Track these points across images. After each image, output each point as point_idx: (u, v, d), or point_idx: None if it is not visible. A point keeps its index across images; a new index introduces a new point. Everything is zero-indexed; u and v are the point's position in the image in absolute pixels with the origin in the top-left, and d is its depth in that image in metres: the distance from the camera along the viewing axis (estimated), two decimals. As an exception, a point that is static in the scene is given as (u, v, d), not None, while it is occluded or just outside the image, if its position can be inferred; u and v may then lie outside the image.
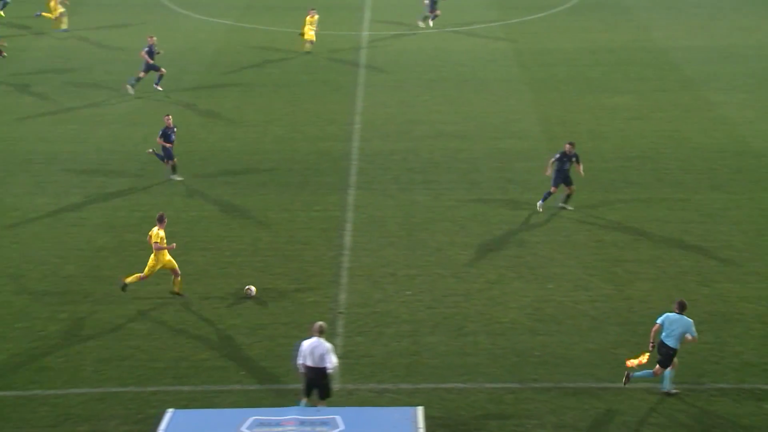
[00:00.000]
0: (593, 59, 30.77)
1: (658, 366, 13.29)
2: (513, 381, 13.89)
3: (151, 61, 26.90)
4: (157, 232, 15.81)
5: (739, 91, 26.84)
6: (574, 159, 19.29)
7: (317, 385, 12.61)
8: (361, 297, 16.36)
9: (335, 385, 13.11)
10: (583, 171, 19.51)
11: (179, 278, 16.12)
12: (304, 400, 12.67)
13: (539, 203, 19.60)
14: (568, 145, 19.28)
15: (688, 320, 13.09)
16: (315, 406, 12.54)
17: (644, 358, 13.34)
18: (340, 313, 15.77)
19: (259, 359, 14.46)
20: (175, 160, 21.03)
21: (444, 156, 22.84)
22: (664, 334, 13.17)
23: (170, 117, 21.13)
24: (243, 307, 15.93)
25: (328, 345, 12.52)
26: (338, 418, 11.10)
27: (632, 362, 13.41)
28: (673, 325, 13.08)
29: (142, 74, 27.06)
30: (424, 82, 28.79)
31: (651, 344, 13.26)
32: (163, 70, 27.16)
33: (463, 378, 13.97)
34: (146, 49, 26.88)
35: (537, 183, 21.02)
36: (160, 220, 16.03)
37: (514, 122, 25.17)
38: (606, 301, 16.01)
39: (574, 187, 19.43)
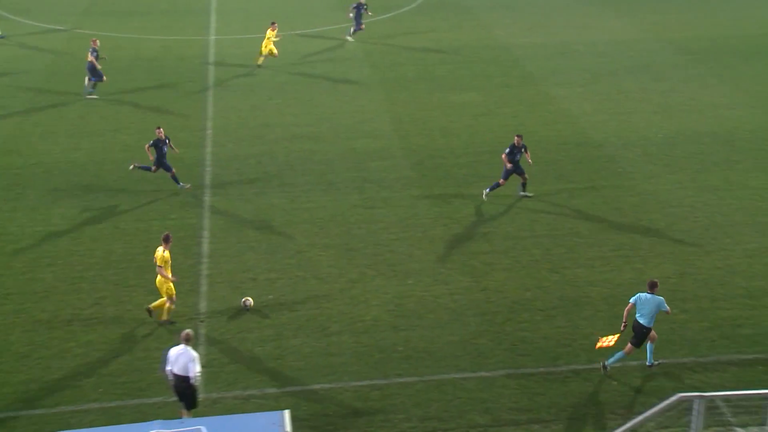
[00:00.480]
0: (440, 58, 31.52)
1: (630, 345, 13.87)
2: (378, 377, 14.04)
3: (99, 67, 26.85)
4: (162, 254, 15.13)
5: (576, 86, 28.15)
6: (523, 149, 20.17)
7: (182, 394, 12.35)
8: (222, 304, 16.09)
9: (199, 395, 12.84)
10: (531, 159, 20.37)
11: (172, 306, 15.37)
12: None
13: (485, 191, 20.32)
14: (516, 138, 20.19)
15: (659, 298, 13.75)
16: (180, 417, 12.27)
17: (614, 339, 13.86)
18: (200, 321, 15.46)
19: (118, 375, 13.96)
20: (174, 170, 20.65)
21: (299, 158, 22.80)
22: (637, 313, 13.78)
23: (161, 129, 20.51)
24: (97, 323, 15.33)
25: (193, 354, 12.27)
26: (203, 429, 10.88)
27: (603, 344, 13.88)
28: (645, 304, 13.72)
29: (97, 79, 27.03)
30: (275, 85, 28.63)
31: (623, 323, 13.83)
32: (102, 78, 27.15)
33: (328, 378, 14.00)
34: (92, 52, 26.70)
35: (392, 181, 21.40)
36: (166, 240, 15.37)
37: (367, 122, 25.43)
38: (464, 293, 16.44)
39: (526, 175, 20.28)
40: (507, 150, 20.12)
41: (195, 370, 12.15)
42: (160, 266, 15.07)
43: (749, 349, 14.29)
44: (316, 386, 13.80)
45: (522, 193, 20.43)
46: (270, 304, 16.08)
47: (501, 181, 20.20)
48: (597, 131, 24.37)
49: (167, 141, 20.66)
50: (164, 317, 15.42)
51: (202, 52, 32.07)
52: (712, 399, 10.37)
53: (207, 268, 17.33)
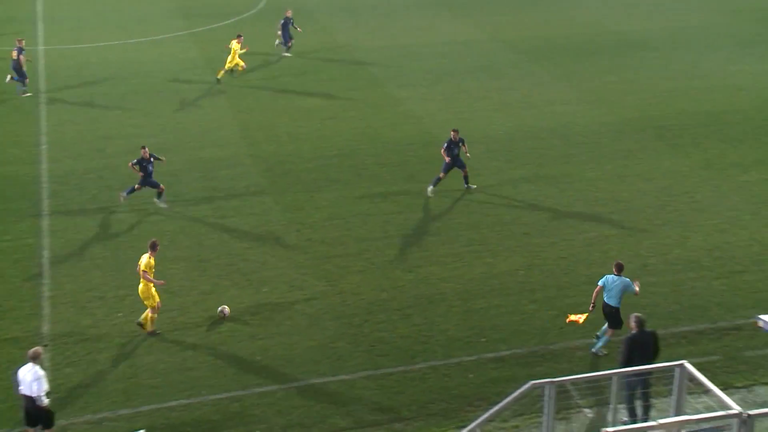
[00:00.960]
0: (284, 63, 31.36)
1: (608, 328, 14.42)
2: (237, 389, 13.78)
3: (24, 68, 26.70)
4: (148, 260, 15.02)
5: (420, 87, 28.71)
6: (461, 143, 20.36)
7: (34, 414, 11.86)
8: (67, 326, 15.33)
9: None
10: (468, 153, 20.85)
11: (155, 316, 14.87)
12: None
13: (429, 188, 20.56)
14: (452, 132, 20.44)
15: (626, 279, 14.24)
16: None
17: (583, 317, 14.45)
18: (44, 345, 14.64)
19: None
20: (162, 187, 20.02)
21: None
22: (605, 295, 14.25)
23: (146, 149, 19.73)
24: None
25: (39, 373, 11.79)
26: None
27: (572, 318, 14.51)
28: (612, 285, 14.20)
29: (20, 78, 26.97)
30: (114, 96, 27.61)
31: (592, 305, 14.37)
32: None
33: (186, 393, 13.61)
34: (18, 51, 26.58)
35: (242, 189, 21.10)
36: (153, 248, 15.31)
37: (213, 130, 24.95)
38: (321, 298, 16.40)
39: (466, 168, 20.60)
40: (444, 145, 20.49)
41: (41, 389, 11.62)
42: (144, 271, 14.74)
43: (593, 333, 14.98)
44: (173, 403, 13.38)
45: (466, 186, 20.91)
46: (120, 323, 15.46)
47: (441, 174, 20.61)
48: (442, 130, 24.85)
49: (152, 160, 20.02)
50: (149, 328, 15.00)
51: (30, 62, 30.43)
52: (561, 384, 10.81)
53: (48, 290, 16.48)
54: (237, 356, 14.62)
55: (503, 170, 22.24)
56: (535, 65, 30.73)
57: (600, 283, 14.43)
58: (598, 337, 14.73)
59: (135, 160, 19.96)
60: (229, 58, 28.91)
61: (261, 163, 22.75)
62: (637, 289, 14.40)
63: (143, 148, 20.05)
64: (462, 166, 20.78)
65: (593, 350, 14.68)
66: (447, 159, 20.42)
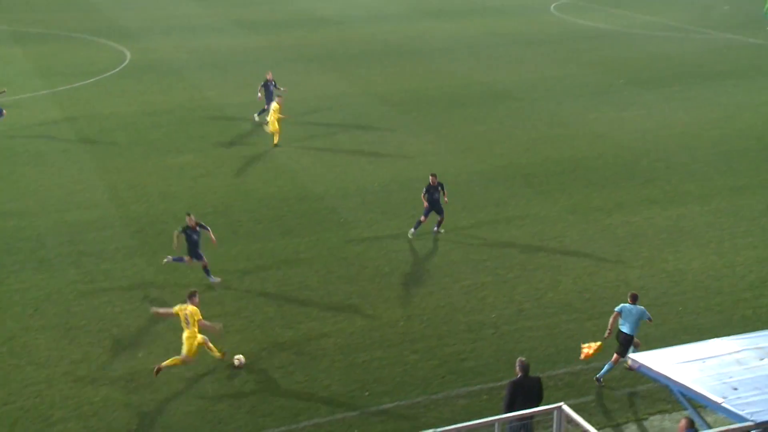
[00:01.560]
0: (153, 121, 30.78)
1: (616, 355, 14.97)
2: (112, 463, 13.10)
3: None
4: (196, 309, 15.27)
5: (293, 141, 28.56)
6: (440, 188, 20.93)
7: None
8: None
9: None
10: (447, 198, 21.21)
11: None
12: None
13: (411, 231, 21.13)
14: (431, 177, 21.01)
15: (641, 308, 15.06)
16: None
17: (597, 346, 14.85)
18: None
19: None
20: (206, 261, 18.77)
21: (4, 236, 21.03)
22: (621, 323, 14.94)
23: (192, 216, 18.64)
24: None
25: None
26: None
27: (586, 350, 14.88)
28: (629, 313, 14.92)
29: None
30: (-30, 159, 26.32)
31: (608, 331, 15.01)
32: None
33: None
34: None
35: (112, 252, 20.38)
36: (192, 297, 15.44)
37: (79, 192, 24.10)
38: (199, 359, 15.84)
39: (443, 214, 21.18)
40: (424, 190, 20.91)
41: None
42: (200, 319, 15.20)
43: (474, 380, 15.13)
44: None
45: (435, 230, 21.29)
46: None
47: (422, 218, 21.04)
48: (317, 184, 24.95)
49: (198, 229, 18.71)
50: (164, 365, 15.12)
51: None
52: (443, 434, 10.85)
53: None
54: (111, 427, 13.96)
55: (379, 222, 22.39)
56: (406, 117, 31.34)
57: (617, 309, 15.16)
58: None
59: (179, 229, 18.86)
60: (271, 119, 27.69)
61: (132, 224, 22.08)
62: (650, 315, 15.34)
63: (188, 215, 18.96)
64: (440, 211, 21.21)
65: (598, 376, 15.23)
66: (426, 204, 20.95)
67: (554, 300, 18.40)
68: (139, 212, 22.90)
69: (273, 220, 22.45)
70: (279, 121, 27.73)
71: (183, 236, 18.86)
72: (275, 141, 27.90)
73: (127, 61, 39.07)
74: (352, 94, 34.61)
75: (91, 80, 35.92)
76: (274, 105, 28.02)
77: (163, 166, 26.35)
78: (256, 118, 30.38)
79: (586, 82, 36.00)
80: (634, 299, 15.23)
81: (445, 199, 21.32)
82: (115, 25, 47.95)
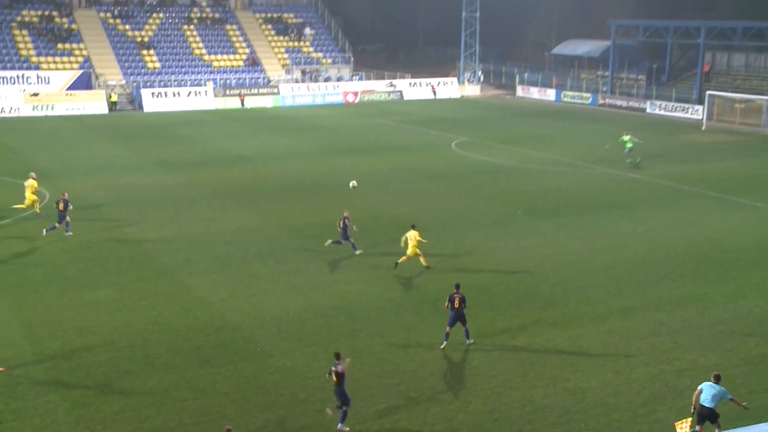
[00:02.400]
0: (71, 257, 31.10)
1: (699, 427, 17.57)
2: None
3: None
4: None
5: (210, 274, 29.45)
6: (460, 299, 22.96)
7: None
8: None
9: None
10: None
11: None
12: None
13: (442, 345, 23.07)
14: (455, 288, 23.20)
15: (722, 388, 17.67)
16: None
17: (688, 422, 17.22)
18: None
19: None
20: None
21: None
22: (702, 397, 17.52)
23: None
24: None
25: None
26: None
27: (680, 428, 17.10)
28: (710, 391, 17.58)
29: None
30: None
31: (693, 407, 17.77)
32: None
33: None
34: None
35: (24, 390, 20.44)
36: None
37: (-7, 331, 24.12)
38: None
39: (467, 326, 23.25)
40: (447, 300, 23.20)
41: None
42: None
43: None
44: None
45: (468, 342, 23.43)
46: None
47: (447, 329, 23.19)
48: (233, 315, 25.63)
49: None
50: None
51: None
52: None
53: None
54: None
55: (295, 350, 23.14)
56: (319, 249, 32.53)
57: (699, 387, 17.77)
58: None
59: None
60: (412, 245, 29.10)
61: (46, 361, 22.18)
62: (731, 396, 17.90)
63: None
64: (464, 321, 23.02)
65: None
66: (449, 312, 22.95)
67: (465, 421, 19.30)
68: (54, 348, 23.03)
69: (190, 351, 22.93)
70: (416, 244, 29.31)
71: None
72: (426, 264, 29.66)
73: (45, 201, 39.44)
74: (267, 227, 35.76)
75: (8, 220, 36.08)
76: (413, 233, 29.42)
77: (80, 301, 26.62)
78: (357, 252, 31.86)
79: (488, 213, 38.14)
80: (717, 379, 17.87)
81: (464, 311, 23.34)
82: (35, 168, 48.23)
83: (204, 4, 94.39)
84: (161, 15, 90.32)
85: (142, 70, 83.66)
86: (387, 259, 31.17)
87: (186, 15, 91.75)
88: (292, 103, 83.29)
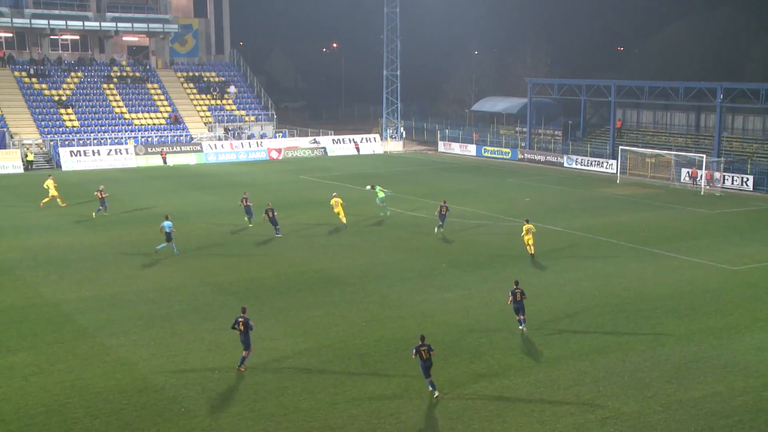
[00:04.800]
0: (-17, 321, 30.03)
1: None
2: None
3: None
4: None
5: (131, 334, 28.76)
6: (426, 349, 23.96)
7: None
8: None
9: None
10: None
11: None
12: None
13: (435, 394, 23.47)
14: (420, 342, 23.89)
15: None
16: None
17: None
18: None
19: None
20: None
21: None
22: None
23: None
24: None
25: None
26: None
27: None
28: None
29: None
30: None
31: None
32: None
33: None
34: None
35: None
36: None
37: None
38: None
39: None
40: (414, 351, 23.75)
41: None
42: None
43: None
44: None
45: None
46: None
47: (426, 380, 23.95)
48: (156, 375, 25.03)
49: None
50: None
51: None
52: None
53: None
54: None
55: (222, 408, 22.71)
56: (243, 305, 32.12)
57: None
58: None
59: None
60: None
61: (-44, 430, 21.26)
62: None
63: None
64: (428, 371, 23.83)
65: None
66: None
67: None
68: (-35, 417, 22.07)
69: (111, 414, 22.26)
70: None
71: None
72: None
73: (-47, 261, 38.15)
74: (190, 285, 35.22)
75: None
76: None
77: (-6, 366, 25.65)
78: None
79: (412, 267, 38.43)
80: None
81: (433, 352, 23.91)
82: (-58, 226, 46.87)
83: (124, 63, 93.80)
84: (80, 74, 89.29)
85: (60, 129, 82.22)
86: (313, 313, 31.04)
87: (106, 74, 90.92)
88: (216, 159, 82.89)
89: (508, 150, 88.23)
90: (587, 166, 78.96)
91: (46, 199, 52.87)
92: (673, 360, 26.69)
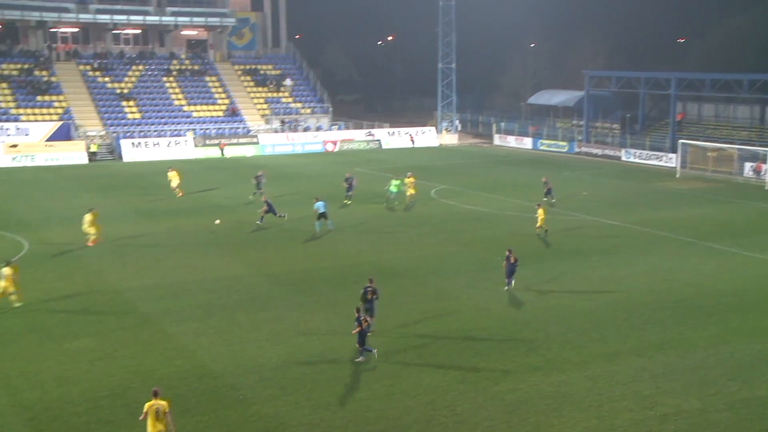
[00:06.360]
0: (50, 307, 30.85)
1: None
2: None
3: None
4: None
5: (191, 322, 29.30)
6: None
7: None
8: None
9: None
10: None
11: None
12: None
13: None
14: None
15: None
16: None
17: None
18: None
19: None
20: None
21: None
22: None
23: None
24: None
25: None
26: None
27: None
28: None
29: None
30: None
31: None
32: None
33: None
34: None
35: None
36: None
37: (-31, 383, 23.79)
38: None
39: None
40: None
41: None
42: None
43: None
44: None
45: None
46: None
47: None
48: (215, 363, 25.47)
49: None
50: None
51: None
52: None
53: None
54: None
55: (278, 397, 23.02)
56: (300, 296, 32.54)
57: None
58: None
59: None
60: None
61: (24, 413, 21.88)
62: None
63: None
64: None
65: None
66: None
67: (449, 467, 19.24)
68: (32, 399, 22.74)
69: (172, 400, 22.60)
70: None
71: None
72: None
73: (25, 251, 39.27)
74: (248, 275, 35.71)
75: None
76: None
77: (60, 351, 26.36)
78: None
79: (468, 260, 38.34)
80: None
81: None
82: (14, 218, 48.20)
83: (184, 56, 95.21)
84: (141, 67, 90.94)
85: (123, 120, 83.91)
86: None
87: (166, 67, 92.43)
88: (272, 151, 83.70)
89: (565, 143, 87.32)
90: (646, 159, 77.71)
91: (177, 189, 55.62)
92: (737, 357, 26.17)
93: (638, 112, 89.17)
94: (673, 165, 72.47)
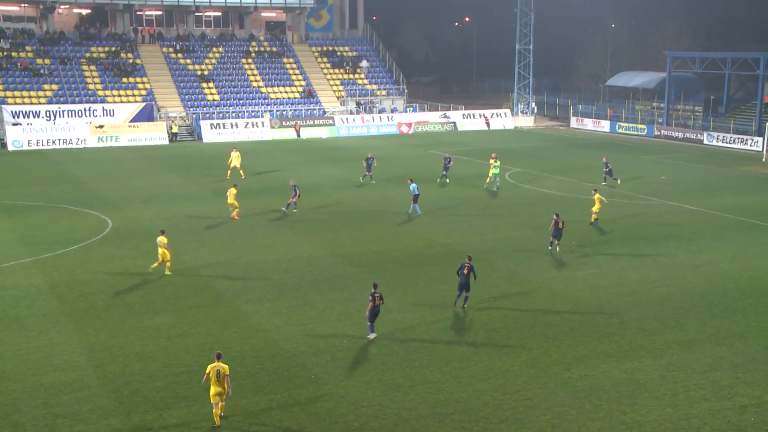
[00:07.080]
0: (131, 284, 31.82)
1: None
2: None
3: None
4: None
5: (265, 301, 29.83)
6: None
7: None
8: None
9: None
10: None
11: None
12: None
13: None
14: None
15: None
16: None
17: None
18: None
19: None
20: None
21: (-20, 401, 21.46)
22: None
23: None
24: None
25: None
26: None
27: None
28: None
29: None
30: (-50, 323, 26.92)
31: None
32: None
33: None
34: None
35: (87, 413, 20.92)
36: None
37: (57, 355, 24.70)
38: None
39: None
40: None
41: None
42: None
43: None
44: None
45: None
46: None
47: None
48: (288, 342, 25.90)
49: None
50: None
51: None
52: None
53: None
54: None
55: (350, 377, 23.28)
56: (373, 276, 32.68)
57: None
58: None
59: None
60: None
61: (107, 385, 22.69)
62: None
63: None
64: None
65: None
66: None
67: (518, 451, 19.17)
68: (115, 372, 23.54)
69: (246, 378, 23.22)
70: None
71: None
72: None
73: (108, 229, 40.54)
74: (321, 255, 36.11)
75: (74, 247, 37.09)
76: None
77: (140, 326, 27.19)
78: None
79: (541, 244, 37.91)
80: None
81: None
82: (99, 196, 49.75)
83: (262, 38, 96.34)
84: (221, 49, 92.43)
85: (202, 102, 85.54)
86: (440, 287, 31.21)
87: (245, 49, 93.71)
88: (347, 133, 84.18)
89: (644, 126, 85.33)
90: (729, 143, 75.39)
91: (240, 171, 56.01)
92: (821, 349, 25.32)
93: (722, 93, 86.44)
94: (759, 149, 70.11)
